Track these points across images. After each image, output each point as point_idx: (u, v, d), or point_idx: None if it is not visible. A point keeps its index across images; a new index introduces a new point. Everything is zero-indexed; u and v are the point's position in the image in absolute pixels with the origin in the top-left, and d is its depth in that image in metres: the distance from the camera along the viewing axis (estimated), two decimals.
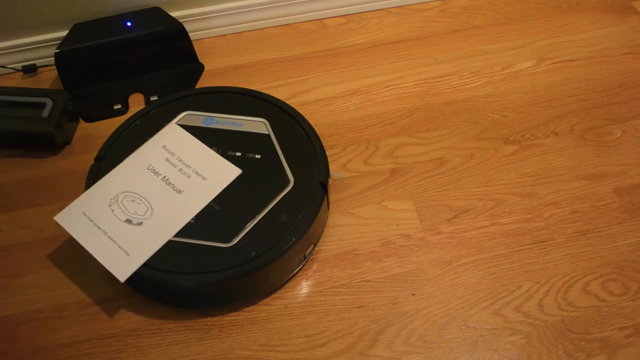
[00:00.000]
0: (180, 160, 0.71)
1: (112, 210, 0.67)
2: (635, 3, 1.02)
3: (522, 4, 1.02)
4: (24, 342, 0.66)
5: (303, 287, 0.70)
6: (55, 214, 0.67)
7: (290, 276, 0.70)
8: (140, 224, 0.66)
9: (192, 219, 0.67)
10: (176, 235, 0.66)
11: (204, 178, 0.70)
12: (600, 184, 0.78)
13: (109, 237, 0.65)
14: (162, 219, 0.67)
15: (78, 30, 0.90)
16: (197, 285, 0.64)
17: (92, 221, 0.66)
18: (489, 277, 0.70)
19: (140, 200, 0.68)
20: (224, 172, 0.70)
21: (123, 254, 0.64)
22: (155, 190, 0.69)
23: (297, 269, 0.70)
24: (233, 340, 0.66)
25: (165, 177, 0.70)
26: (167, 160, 0.71)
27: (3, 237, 0.75)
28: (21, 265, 0.72)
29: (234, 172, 0.70)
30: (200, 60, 0.94)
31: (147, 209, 0.67)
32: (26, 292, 0.70)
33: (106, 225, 0.66)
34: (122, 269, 0.63)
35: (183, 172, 0.70)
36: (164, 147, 0.73)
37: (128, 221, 0.66)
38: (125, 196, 0.68)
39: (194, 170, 0.70)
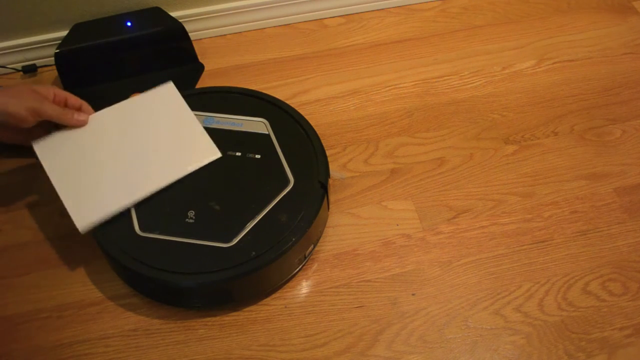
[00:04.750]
0: (166, 121, 0.72)
1: (90, 150, 0.68)
2: (636, 3, 1.02)
3: (522, 4, 1.02)
4: (24, 342, 0.66)
5: (303, 287, 0.70)
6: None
7: (290, 276, 0.70)
8: (113, 172, 0.67)
9: (192, 219, 0.67)
10: (176, 235, 0.66)
11: (181, 150, 0.69)
12: (600, 184, 0.78)
13: (80, 179, 0.66)
14: (132, 174, 0.67)
15: (78, 30, 0.90)
16: (197, 285, 0.64)
17: (66, 157, 0.67)
18: (489, 277, 0.70)
19: (117, 147, 0.69)
20: (203, 151, 0.70)
21: (89, 204, 0.65)
22: (133, 145, 0.69)
23: (297, 269, 0.70)
24: (233, 340, 0.66)
25: (147, 134, 0.70)
26: (153, 117, 0.72)
27: (3, 237, 0.75)
28: (21, 265, 0.72)
29: (213, 153, 0.69)
30: (200, 60, 0.94)
31: (120, 160, 0.68)
32: (26, 292, 0.70)
33: (80, 165, 0.67)
34: (83, 218, 0.64)
35: (163, 136, 0.70)
36: (153, 103, 0.73)
37: (100, 168, 0.67)
38: (106, 140, 0.69)
39: (174, 138, 0.70)
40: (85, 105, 0.71)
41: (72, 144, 0.69)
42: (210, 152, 0.70)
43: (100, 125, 0.70)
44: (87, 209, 0.64)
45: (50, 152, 0.68)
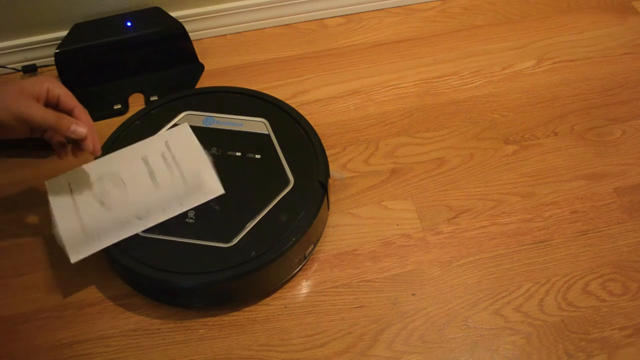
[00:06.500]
0: (174, 158, 0.71)
1: (92, 188, 0.68)
2: (636, 3, 1.02)
3: (522, 4, 1.02)
4: (24, 342, 0.66)
5: (303, 287, 0.70)
6: None
7: (290, 276, 0.70)
8: (110, 208, 0.67)
9: (192, 219, 0.67)
10: (176, 235, 0.66)
11: (186, 185, 0.69)
12: (600, 184, 0.78)
13: (78, 214, 0.66)
14: (132, 210, 0.67)
15: (78, 30, 0.90)
16: (197, 285, 0.64)
17: (72, 194, 0.68)
18: (489, 277, 0.70)
19: (121, 184, 0.69)
20: (207, 188, 0.69)
21: (83, 236, 0.65)
22: (137, 179, 0.69)
23: (297, 269, 0.70)
24: (233, 340, 0.66)
25: (152, 170, 0.70)
26: (162, 154, 0.71)
27: (3, 237, 0.75)
28: (21, 265, 0.72)
29: (216, 190, 0.68)
30: (200, 60, 0.94)
31: (122, 194, 0.68)
32: (26, 292, 0.70)
33: (81, 202, 0.67)
34: (76, 251, 0.64)
35: (172, 172, 0.70)
36: (166, 142, 0.72)
37: (101, 203, 0.67)
38: (111, 177, 0.69)
39: (181, 174, 0.70)
40: (79, 108, 0.63)
41: (82, 180, 0.69)
42: (214, 190, 0.69)
43: (114, 162, 0.70)
44: (82, 244, 0.64)
45: (60, 188, 0.69)
